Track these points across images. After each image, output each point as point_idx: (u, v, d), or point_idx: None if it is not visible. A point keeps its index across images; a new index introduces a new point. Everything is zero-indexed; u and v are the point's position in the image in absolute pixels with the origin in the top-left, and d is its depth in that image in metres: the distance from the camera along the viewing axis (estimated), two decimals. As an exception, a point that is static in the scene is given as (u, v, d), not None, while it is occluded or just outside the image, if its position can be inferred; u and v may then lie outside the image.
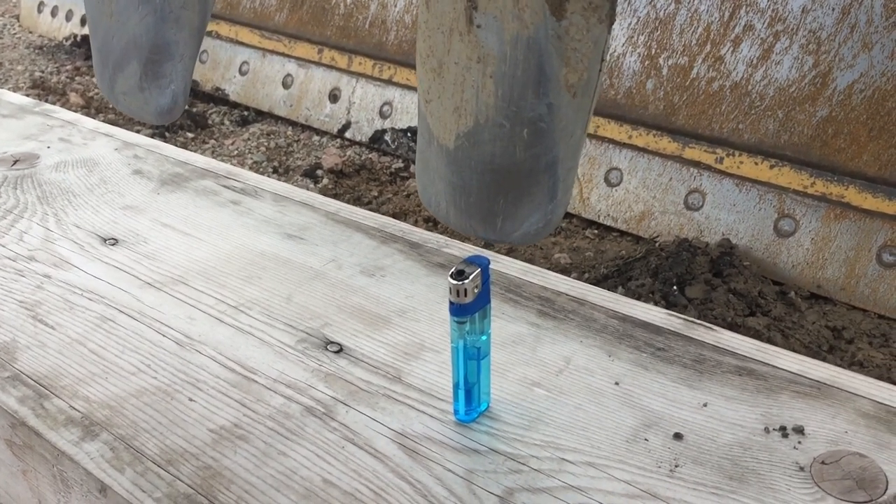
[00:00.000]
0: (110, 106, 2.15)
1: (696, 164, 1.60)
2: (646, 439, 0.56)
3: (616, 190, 1.67)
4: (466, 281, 0.53)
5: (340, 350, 0.66)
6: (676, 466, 0.54)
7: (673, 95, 1.65)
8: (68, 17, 2.68)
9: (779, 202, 1.51)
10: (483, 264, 0.55)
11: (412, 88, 1.92)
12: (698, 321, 0.66)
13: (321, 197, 0.88)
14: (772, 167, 1.52)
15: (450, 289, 0.54)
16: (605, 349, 0.65)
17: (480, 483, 0.53)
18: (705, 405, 0.59)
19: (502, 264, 0.75)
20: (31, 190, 0.92)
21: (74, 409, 0.61)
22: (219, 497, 0.53)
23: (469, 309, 0.55)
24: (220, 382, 0.63)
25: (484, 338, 0.57)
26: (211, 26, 2.27)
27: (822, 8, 1.50)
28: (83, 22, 2.57)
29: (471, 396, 0.58)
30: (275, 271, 0.76)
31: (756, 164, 1.53)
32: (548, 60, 0.45)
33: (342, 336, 0.68)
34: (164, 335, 0.69)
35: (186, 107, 2.12)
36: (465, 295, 0.54)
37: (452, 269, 0.54)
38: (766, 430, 0.56)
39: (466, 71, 0.48)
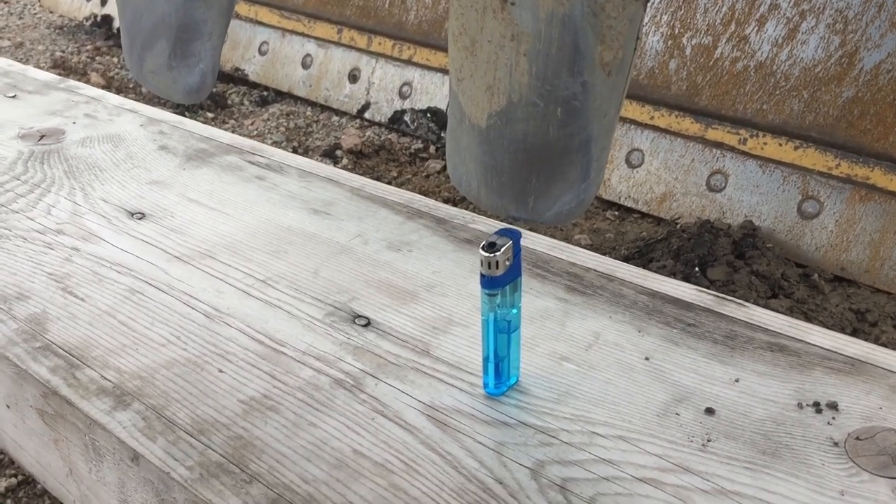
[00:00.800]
0: (131, 86, 2.15)
1: (719, 145, 1.58)
2: (677, 414, 0.56)
3: (637, 171, 1.66)
4: (498, 253, 0.53)
5: (368, 323, 0.66)
6: (709, 441, 0.54)
7: (696, 76, 1.63)
8: (88, -3, 2.68)
9: (803, 184, 1.49)
10: (514, 237, 0.55)
11: (432, 69, 1.91)
12: (729, 297, 0.65)
13: (346, 173, 0.88)
14: (796, 148, 1.51)
15: (481, 261, 0.54)
16: (634, 325, 0.64)
17: (511, 455, 0.53)
18: (737, 381, 0.58)
19: (529, 240, 0.75)
20: (58, 164, 0.92)
21: (106, 379, 0.61)
22: (250, 466, 0.54)
23: (500, 281, 0.55)
24: (249, 354, 0.63)
25: (514, 311, 0.57)
26: (230, 6, 2.27)
27: (850, -14, 1.48)
28: (103, 2, 2.58)
29: (500, 370, 0.58)
30: (301, 246, 0.77)
31: (780, 145, 1.52)
32: (583, 38, 0.45)
33: (370, 310, 0.68)
34: (192, 308, 0.69)
35: (206, 87, 2.13)
36: (497, 267, 0.54)
37: (484, 242, 0.54)
38: (800, 405, 0.56)
39: (500, 49, 0.47)
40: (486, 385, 0.59)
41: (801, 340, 0.61)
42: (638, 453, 0.53)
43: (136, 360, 0.63)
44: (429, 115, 1.89)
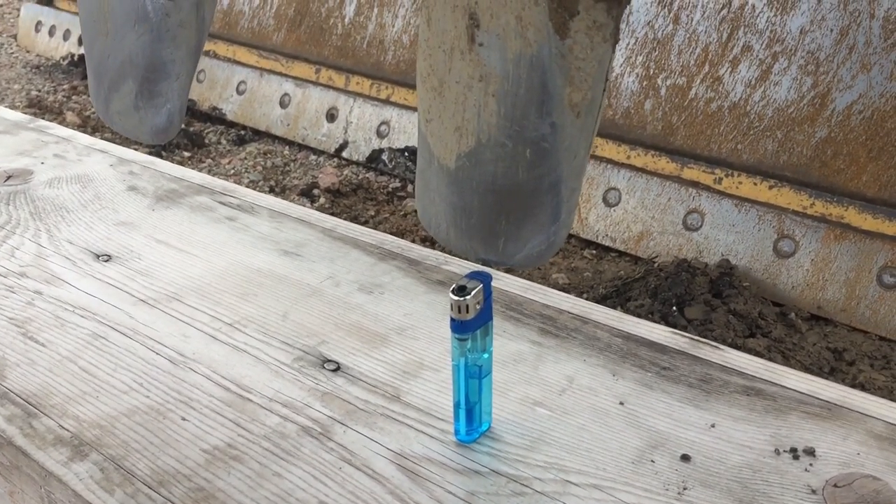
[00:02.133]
0: (107, 126, 2.14)
1: (695, 184, 1.59)
2: (652, 461, 0.55)
3: (614, 210, 1.67)
4: (468, 297, 0.52)
5: (338, 368, 0.65)
6: (685, 489, 0.52)
7: (671, 116, 1.64)
8: (66, 36, 2.68)
9: (778, 223, 1.50)
10: (485, 280, 0.54)
11: (410, 108, 1.91)
12: (704, 340, 0.65)
13: (318, 213, 0.87)
14: (771, 188, 1.52)
15: (451, 305, 0.53)
16: (608, 368, 0.63)
17: (482, 506, 0.52)
18: (713, 426, 0.57)
19: (503, 282, 0.74)
20: (24, 206, 0.90)
21: (64, 428, 0.59)
22: (211, 520, 0.51)
23: (470, 326, 0.53)
24: (214, 401, 0.62)
25: (486, 356, 0.55)
26: (209, 46, 2.27)
27: (821, 29, 1.50)
28: (80, 41, 2.58)
29: (472, 416, 0.57)
30: (271, 288, 0.75)
31: (755, 184, 1.53)
32: (551, 79, 0.44)
33: (339, 354, 0.66)
34: (157, 353, 0.67)
35: (183, 126, 2.12)
36: (467, 311, 0.52)
37: (454, 285, 0.53)
38: (777, 451, 0.55)
39: (468, 90, 0.47)
40: (457, 432, 0.57)
41: (777, 384, 0.60)
42: (612, 502, 0.51)
43: (97, 408, 0.61)
44: (406, 153, 1.90)
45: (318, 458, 0.56)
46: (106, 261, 0.80)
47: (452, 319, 0.53)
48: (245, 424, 0.59)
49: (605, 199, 1.67)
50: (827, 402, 0.59)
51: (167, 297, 0.74)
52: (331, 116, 2.06)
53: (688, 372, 0.62)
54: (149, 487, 0.54)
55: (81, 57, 2.58)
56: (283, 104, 2.15)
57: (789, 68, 1.53)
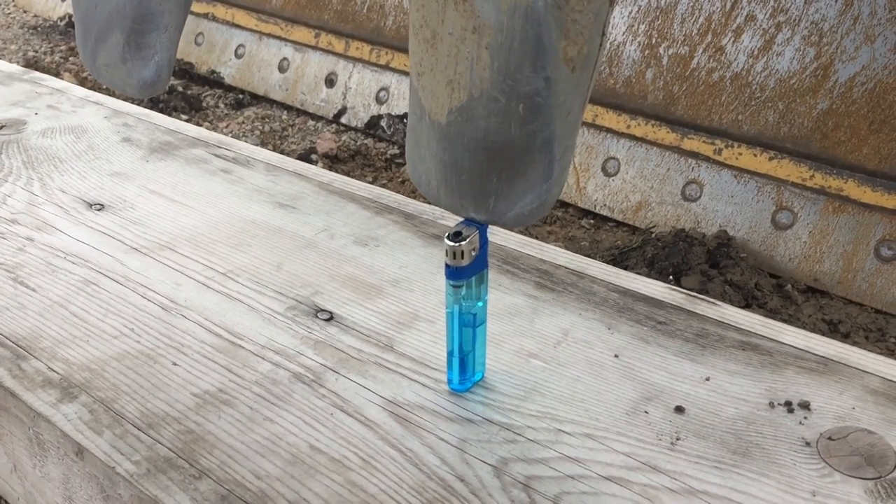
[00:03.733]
0: (104, 87, 2.12)
1: (695, 154, 1.58)
2: (646, 412, 0.54)
3: (613, 180, 1.65)
4: (463, 243, 0.51)
5: (331, 318, 0.64)
6: (678, 440, 0.52)
7: (672, 85, 1.63)
8: (62, -3, 2.64)
9: (777, 194, 1.49)
10: (482, 227, 0.53)
11: (409, 74, 1.89)
12: (701, 296, 0.64)
13: (314, 167, 0.86)
14: (771, 159, 1.51)
15: (446, 251, 0.52)
16: (604, 322, 0.63)
17: (474, 452, 0.51)
18: (707, 379, 0.57)
19: (500, 236, 0.73)
20: (17, 155, 0.89)
21: (53, 370, 0.58)
22: (200, 461, 0.51)
23: (465, 272, 0.53)
24: (206, 347, 0.61)
25: (480, 304, 0.55)
26: (207, 8, 2.25)
27: (826, -1, 1.48)
28: (77, 2, 2.54)
29: (465, 365, 0.56)
30: (265, 239, 0.74)
31: (755, 155, 1.52)
32: (546, 32, 0.43)
33: (333, 304, 0.66)
34: (148, 300, 0.66)
35: (181, 89, 2.10)
36: (462, 257, 0.52)
37: (449, 231, 0.52)
38: (771, 405, 0.54)
39: (461, 42, 0.46)
40: (450, 381, 0.57)
41: (774, 340, 0.60)
42: (605, 451, 0.51)
43: (87, 351, 0.60)
44: (405, 120, 1.88)
45: (309, 403, 0.56)
46: (98, 210, 0.79)
47: (447, 266, 0.52)
48: (236, 370, 0.59)
49: (603, 169, 1.66)
50: (824, 357, 0.58)
51: (159, 246, 0.73)
52: (330, 82, 2.04)
53: (684, 327, 0.61)
54: (138, 429, 0.54)
55: (78, 18, 2.54)
56: (281, 69, 2.13)
57: (792, 39, 1.51)
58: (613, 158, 1.64)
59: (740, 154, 1.50)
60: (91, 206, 0.80)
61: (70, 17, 2.56)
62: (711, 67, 1.56)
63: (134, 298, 0.66)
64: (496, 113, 0.47)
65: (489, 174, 0.49)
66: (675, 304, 0.64)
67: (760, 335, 0.60)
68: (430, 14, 0.47)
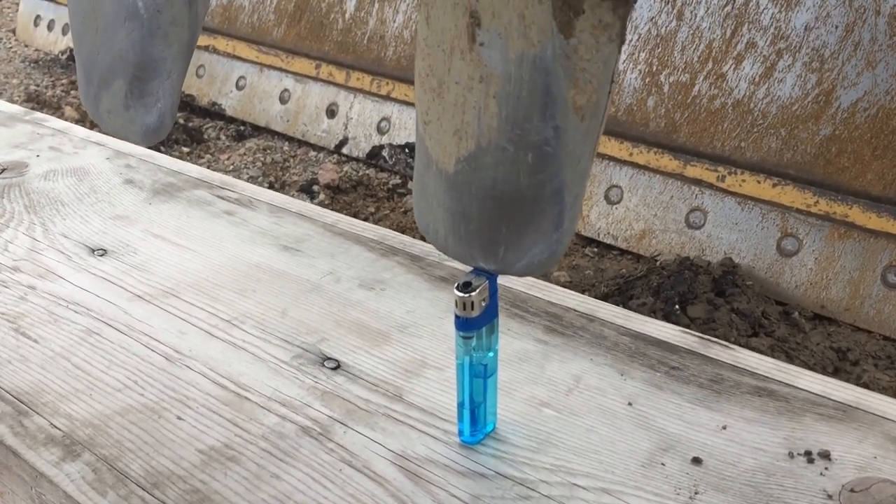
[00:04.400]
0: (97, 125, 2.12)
1: (698, 182, 1.57)
2: (662, 464, 0.53)
3: (616, 208, 1.65)
4: (473, 293, 0.50)
5: (338, 366, 0.63)
6: (696, 493, 0.51)
7: (674, 113, 1.63)
8: (64, 30, 2.66)
9: (782, 221, 1.48)
10: (491, 276, 0.52)
11: (411, 104, 1.89)
12: (714, 339, 0.63)
13: (318, 208, 0.85)
14: (774, 186, 1.50)
15: (455, 301, 0.51)
16: (616, 368, 0.61)
17: (487, 509, 0.50)
18: (724, 428, 0.56)
19: (506, 279, 0.72)
20: (19, 199, 0.89)
21: (56, 427, 0.57)
22: (207, 523, 0.50)
23: (476, 323, 0.52)
24: (211, 400, 0.60)
25: (491, 354, 0.54)
26: (208, 41, 2.25)
27: (826, 26, 1.49)
28: (78, 35, 2.55)
29: (476, 417, 0.55)
30: (270, 284, 0.73)
31: (758, 182, 1.51)
32: (555, 81, 0.43)
33: (340, 352, 0.64)
34: (152, 349, 0.65)
35: (182, 121, 2.10)
36: (472, 308, 0.51)
37: (458, 282, 0.51)
38: (791, 454, 0.53)
39: (468, 91, 0.45)
40: (460, 433, 0.56)
41: (790, 385, 0.59)
42: (622, 507, 0.50)
43: (90, 406, 0.59)
44: (407, 150, 1.88)
45: (317, 459, 0.54)
46: (101, 255, 0.78)
47: (457, 317, 0.52)
48: (242, 424, 0.58)
49: (606, 197, 1.66)
50: (842, 403, 0.57)
51: (163, 293, 0.72)
52: (331, 112, 2.05)
53: (698, 372, 0.60)
54: (142, 489, 0.52)
55: (79, 51, 2.55)
56: (282, 100, 2.13)
57: (794, 65, 1.51)
58: (616, 186, 1.63)
59: (744, 181, 1.49)
60: (94, 251, 0.79)
61: (71, 50, 2.57)
62: (713, 94, 1.56)
63: (137, 348, 0.65)
64: (505, 162, 0.46)
65: (498, 224, 0.48)
66: (688, 347, 0.63)
67: (776, 380, 0.59)
68: (436, 63, 0.46)
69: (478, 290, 0.50)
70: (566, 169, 0.46)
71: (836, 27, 1.46)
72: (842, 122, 1.44)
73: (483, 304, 0.51)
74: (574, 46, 0.42)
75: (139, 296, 0.72)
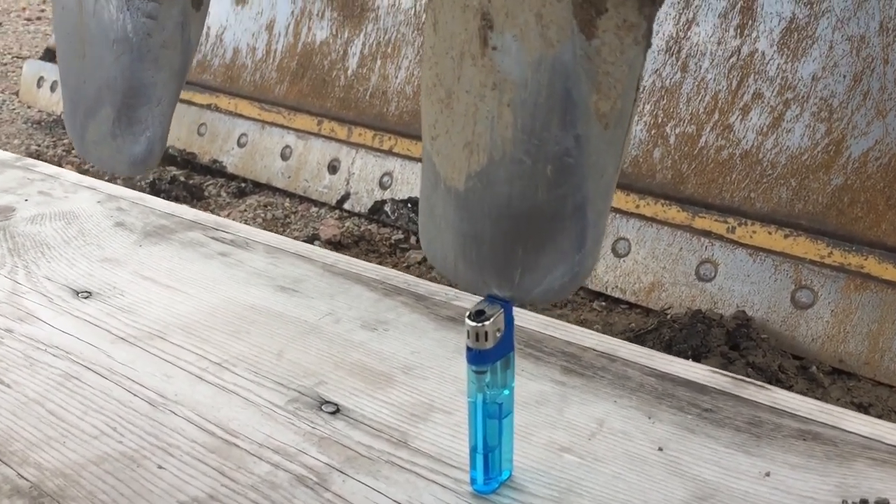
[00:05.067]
0: (106, 179, 2.10)
1: (707, 233, 1.53)
2: (700, 515, 0.47)
3: (624, 261, 1.60)
4: (487, 323, 0.45)
5: (337, 411, 0.57)
6: (741, 547, 0.45)
7: (681, 164, 1.60)
8: (66, 91, 2.66)
9: (795, 273, 1.44)
10: (506, 306, 0.47)
11: (413, 159, 1.88)
12: (748, 379, 0.58)
13: (318, 248, 0.81)
14: (786, 237, 1.46)
15: (468, 332, 0.46)
16: (643, 410, 0.56)
17: (505, 567, 0.44)
18: (768, 475, 0.50)
19: (519, 317, 0.67)
20: (3, 242, 0.84)
21: (23, 477, 0.51)
22: (187, 584, 0.44)
23: (489, 356, 0.47)
24: (196, 448, 0.54)
25: (506, 392, 0.48)
26: (210, 100, 2.25)
27: (833, 76, 1.47)
28: (81, 96, 2.56)
29: (490, 462, 0.49)
30: (265, 325, 0.68)
31: (770, 233, 1.47)
32: (576, 85, 0.39)
33: (339, 395, 0.59)
34: (135, 394, 0.60)
35: (182, 179, 2.08)
36: (486, 339, 0.46)
37: (470, 310, 0.46)
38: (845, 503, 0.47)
39: (480, 100, 0.41)
40: (473, 481, 0.50)
41: (836, 427, 0.53)
42: (658, 563, 0.44)
43: (62, 454, 0.54)
44: (409, 205, 1.85)
45: (313, 511, 0.49)
46: (86, 297, 0.73)
47: (469, 349, 0.47)
48: (230, 473, 0.52)
49: (614, 250, 1.61)
50: (895, 446, 0.51)
51: (149, 335, 0.67)
52: (332, 168, 2.03)
53: (733, 414, 0.55)
54: (116, 546, 0.46)
55: (81, 112, 2.55)
56: (284, 156, 2.12)
57: (802, 115, 1.49)
58: (623, 239, 1.59)
59: (754, 232, 1.45)
60: (78, 293, 0.74)
61: (73, 111, 2.57)
62: (720, 145, 1.54)
63: (119, 393, 0.60)
64: (521, 176, 0.42)
65: (514, 245, 0.44)
66: (720, 388, 0.58)
67: (820, 422, 0.54)
68: (444, 71, 0.43)
69: (492, 320, 0.45)
70: (589, 182, 0.42)
71: (844, 76, 1.44)
72: (853, 172, 1.41)
73: (498, 334, 0.46)
74: (597, 48, 0.38)
75: (123, 338, 0.67)
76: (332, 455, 0.53)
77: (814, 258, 1.40)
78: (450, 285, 0.73)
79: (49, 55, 2.73)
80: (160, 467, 0.53)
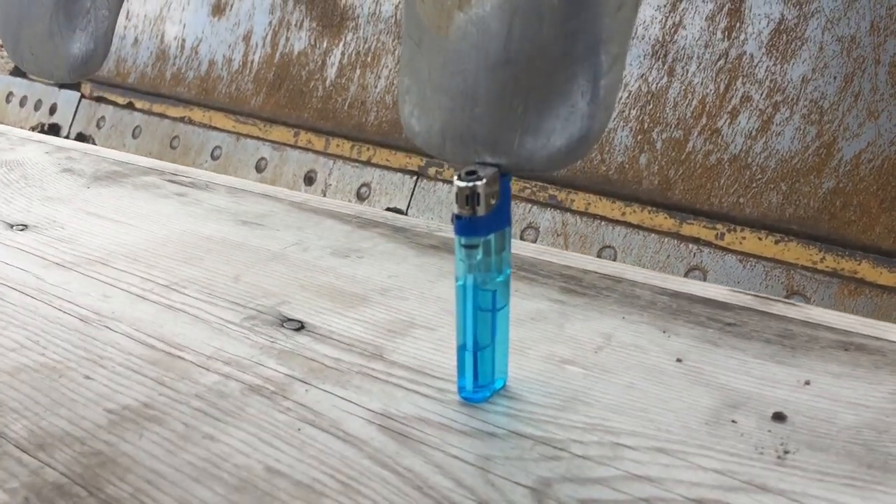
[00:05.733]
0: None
1: (696, 240, 1.47)
2: (733, 421, 0.39)
3: (611, 268, 1.53)
4: (479, 183, 0.38)
5: (301, 327, 0.49)
6: (786, 452, 0.37)
7: (668, 170, 1.55)
8: (37, 106, 2.59)
9: (787, 279, 1.37)
10: (502, 174, 0.40)
11: (392, 169, 1.81)
12: (774, 297, 0.51)
13: (287, 189, 0.73)
14: (777, 242, 1.40)
15: (456, 195, 0.39)
16: (656, 325, 0.48)
17: (501, 472, 0.36)
18: (808, 383, 0.42)
19: (512, 245, 0.60)
20: (-65, 185, 0.76)
21: (-84, 384, 0.43)
22: (106, 489, 0.35)
23: (482, 226, 0.39)
24: (132, 359, 0.46)
25: (500, 279, 0.41)
26: (184, 112, 2.19)
27: (824, 77, 1.44)
28: (52, 111, 2.49)
29: (481, 365, 0.41)
30: (221, 253, 0.60)
31: (760, 239, 1.42)
32: None
33: (304, 313, 0.51)
34: (64, 311, 0.51)
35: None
36: (477, 203, 0.38)
37: (460, 171, 0.39)
38: (903, 407, 0.40)
39: None
40: (461, 389, 0.42)
41: (882, 339, 0.46)
42: (686, 468, 0.36)
43: (-31, 364, 0.45)
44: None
45: (269, 418, 0.40)
46: (21, 230, 0.65)
47: (456, 217, 0.39)
48: (171, 383, 0.43)
49: (600, 258, 1.54)
50: (952, 356, 0.44)
51: (88, 261, 0.59)
52: (309, 179, 1.96)
53: (760, 328, 0.47)
54: (22, 450, 0.38)
55: (52, 126, 2.48)
56: (259, 168, 2.04)
57: (791, 118, 1.45)
58: (609, 247, 1.53)
59: (744, 238, 1.40)
60: (12, 227, 0.66)
61: (42, 125, 2.49)
62: (708, 150, 1.49)
63: (46, 311, 0.51)
64: (522, 10, 0.35)
65: (513, 100, 0.37)
66: (743, 305, 0.50)
67: (863, 334, 0.46)
68: None
69: (485, 180, 0.38)
70: (604, 16, 0.35)
71: (835, 78, 1.41)
72: (845, 175, 1.37)
73: (492, 201, 0.39)
74: None
75: (58, 264, 0.58)
76: (293, 367, 0.45)
77: (806, 263, 1.34)
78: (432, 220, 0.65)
79: (18, 70, 2.66)
80: (87, 377, 0.44)
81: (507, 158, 0.38)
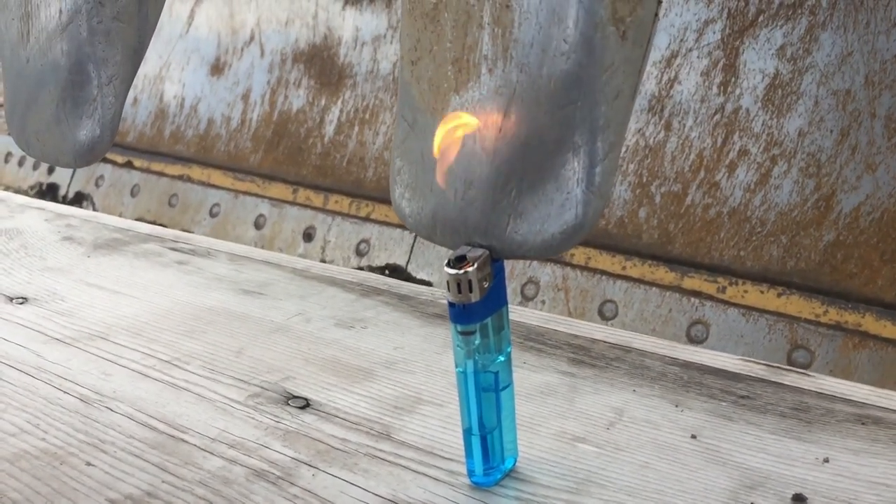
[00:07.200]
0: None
1: (697, 293, 1.47)
2: (752, 503, 0.38)
3: (612, 324, 1.53)
4: (471, 269, 0.37)
5: (307, 405, 0.48)
6: (808, 537, 0.36)
7: (668, 223, 1.55)
8: (35, 166, 2.61)
9: (790, 332, 1.37)
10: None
11: (391, 224, 1.82)
12: (786, 367, 0.50)
13: (287, 255, 0.73)
14: (779, 295, 1.40)
15: (447, 283, 0.38)
16: (668, 399, 0.47)
17: (516, 564, 0.35)
18: (826, 460, 0.41)
19: (517, 313, 0.59)
20: (-65, 256, 0.75)
21: (-88, 473, 0.41)
22: (105, 588, 0.34)
23: (477, 312, 0.38)
24: (135, 444, 0.45)
25: (501, 359, 0.40)
26: (183, 170, 2.20)
27: (820, 130, 1.45)
28: (50, 171, 2.50)
29: (490, 447, 0.40)
30: (223, 325, 0.59)
31: (762, 292, 1.41)
32: None
33: (309, 390, 0.50)
34: (65, 391, 0.50)
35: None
36: (470, 289, 0.37)
37: (449, 257, 0.38)
38: (926, 487, 0.39)
39: (474, 3, 0.36)
40: (470, 472, 0.41)
41: (898, 411, 0.45)
42: (708, 557, 0.35)
43: (-34, 450, 0.44)
44: (387, 271, 1.78)
45: (273, 506, 0.39)
46: (20, 303, 0.64)
47: (451, 305, 0.38)
48: (174, 469, 0.42)
49: (600, 313, 1.54)
50: (972, 429, 0.43)
51: (88, 336, 0.58)
52: (308, 236, 1.96)
53: (775, 400, 0.47)
54: (18, 546, 0.36)
55: (50, 186, 2.50)
56: (258, 225, 2.05)
57: (790, 171, 1.46)
58: (610, 301, 1.53)
59: (746, 291, 1.39)
60: (12, 300, 0.65)
61: (41, 185, 2.50)
62: (707, 203, 1.50)
63: (46, 391, 0.50)
64: (520, 94, 0.35)
65: (506, 183, 0.36)
66: (755, 375, 0.49)
67: (879, 406, 0.45)
68: None
69: (476, 265, 0.37)
70: (601, 103, 0.35)
71: (831, 131, 1.42)
72: (845, 228, 1.37)
73: (484, 284, 0.38)
74: None
75: (58, 339, 0.58)
76: (299, 449, 0.44)
77: (809, 317, 1.34)
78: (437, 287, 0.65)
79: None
80: (89, 464, 0.43)
81: (499, 243, 0.38)
